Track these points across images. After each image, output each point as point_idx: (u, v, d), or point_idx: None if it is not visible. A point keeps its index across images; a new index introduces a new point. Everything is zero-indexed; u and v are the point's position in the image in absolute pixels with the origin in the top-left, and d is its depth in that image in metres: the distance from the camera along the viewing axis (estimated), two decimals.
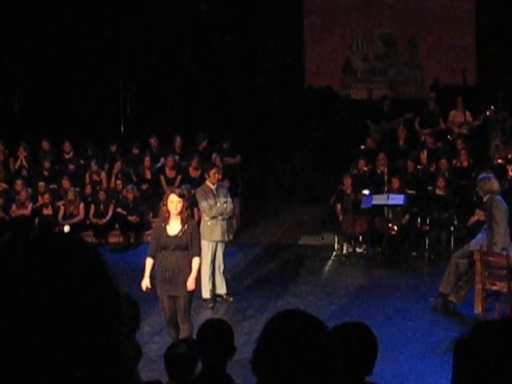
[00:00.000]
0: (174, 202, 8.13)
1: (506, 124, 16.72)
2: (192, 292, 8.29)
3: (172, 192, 8.37)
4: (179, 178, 16.32)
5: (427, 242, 13.85)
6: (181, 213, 8.11)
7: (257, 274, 12.84)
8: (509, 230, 10.11)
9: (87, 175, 16.88)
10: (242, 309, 10.78)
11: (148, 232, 15.79)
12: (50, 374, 1.16)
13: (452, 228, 13.96)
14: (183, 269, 8.11)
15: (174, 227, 8.17)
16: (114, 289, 1.26)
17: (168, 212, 8.18)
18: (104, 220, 15.71)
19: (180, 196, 8.19)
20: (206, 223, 10.87)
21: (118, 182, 16.29)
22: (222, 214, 10.94)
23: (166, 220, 8.20)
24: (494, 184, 10.21)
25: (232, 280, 11.78)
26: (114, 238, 15.68)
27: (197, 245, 8.26)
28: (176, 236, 8.13)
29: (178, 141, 17.20)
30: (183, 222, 8.13)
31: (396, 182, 14.17)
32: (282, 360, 2.16)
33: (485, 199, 10.26)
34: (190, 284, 8.12)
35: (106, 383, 1.22)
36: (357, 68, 19.71)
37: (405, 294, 11.41)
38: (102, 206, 15.81)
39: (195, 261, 8.18)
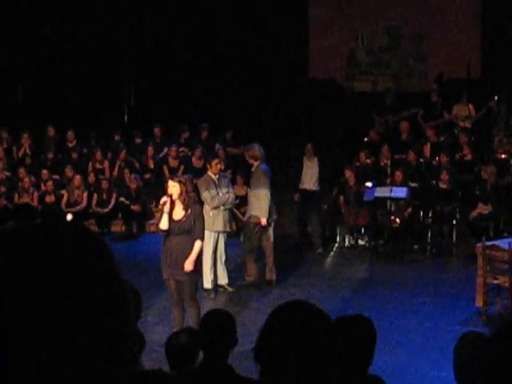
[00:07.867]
0: (169, 187, 8.41)
1: (510, 118, 16.68)
2: (195, 275, 8.46)
3: (170, 178, 8.83)
4: (182, 167, 16.33)
5: (429, 235, 13.83)
6: (179, 197, 8.32)
7: (258, 264, 12.82)
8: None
9: (90, 164, 16.88)
10: (244, 299, 10.79)
11: (151, 221, 15.85)
12: (51, 360, 1.17)
13: (454, 221, 13.94)
14: (186, 253, 8.27)
15: (177, 212, 8.39)
16: (117, 277, 1.27)
17: (169, 197, 8.41)
18: (107, 209, 15.71)
19: (175, 181, 8.46)
20: (208, 214, 10.83)
21: (122, 171, 16.28)
22: (223, 205, 10.95)
23: (171, 206, 8.40)
24: (256, 151, 11.01)
25: (233, 270, 11.79)
26: (117, 227, 15.70)
27: (199, 228, 8.39)
28: (179, 221, 8.34)
29: (182, 131, 17.22)
30: (186, 207, 8.34)
31: (399, 175, 14.16)
32: (285, 350, 2.16)
33: (253, 169, 11.10)
34: (187, 265, 8.23)
35: (109, 371, 1.22)
36: (361, 60, 19.68)
37: (406, 287, 11.41)
38: (104, 195, 15.81)
39: (196, 243, 8.33)
